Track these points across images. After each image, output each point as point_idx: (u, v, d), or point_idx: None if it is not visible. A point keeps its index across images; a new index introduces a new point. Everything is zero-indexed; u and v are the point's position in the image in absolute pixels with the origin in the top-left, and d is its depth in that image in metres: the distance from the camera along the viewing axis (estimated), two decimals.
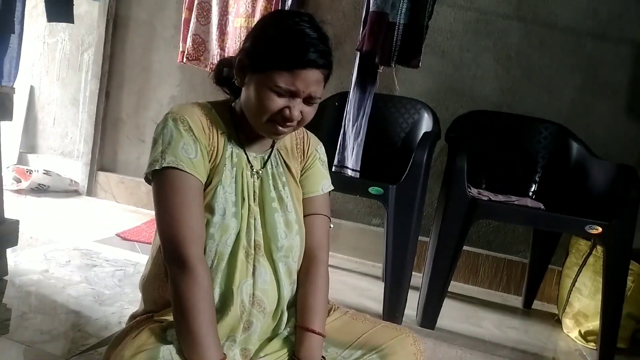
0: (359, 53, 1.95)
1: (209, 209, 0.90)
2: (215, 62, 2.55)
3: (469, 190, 1.82)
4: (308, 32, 0.86)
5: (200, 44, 2.57)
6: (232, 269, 0.90)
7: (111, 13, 2.96)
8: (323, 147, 1.10)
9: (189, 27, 2.58)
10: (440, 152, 2.41)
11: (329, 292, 1.03)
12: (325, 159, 1.10)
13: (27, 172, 2.97)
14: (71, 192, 3.05)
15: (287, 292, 0.97)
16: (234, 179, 0.93)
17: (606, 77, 2.36)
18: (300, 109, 0.89)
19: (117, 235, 2.35)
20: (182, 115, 0.89)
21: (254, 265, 0.92)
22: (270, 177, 0.99)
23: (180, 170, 0.86)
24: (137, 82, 3.00)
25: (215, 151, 0.92)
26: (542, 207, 1.94)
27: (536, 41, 2.42)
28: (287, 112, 0.88)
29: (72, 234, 2.28)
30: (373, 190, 1.77)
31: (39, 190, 2.94)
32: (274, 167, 1.00)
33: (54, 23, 3.01)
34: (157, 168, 0.86)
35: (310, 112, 0.91)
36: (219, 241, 0.89)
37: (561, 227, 1.89)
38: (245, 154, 0.96)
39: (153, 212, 0.89)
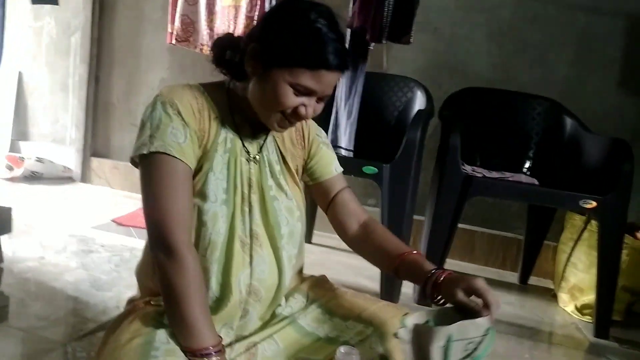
0: (349, 30, 1.93)
1: (202, 195, 0.88)
2: (205, 42, 2.51)
3: (463, 167, 1.82)
4: (332, 34, 0.85)
5: (189, 25, 2.52)
6: (229, 260, 0.89)
7: None
8: (323, 131, 1.10)
9: (176, 7, 2.53)
10: (434, 131, 2.40)
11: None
12: (328, 141, 1.09)
13: (19, 159, 2.95)
14: (65, 179, 3.03)
15: (288, 279, 0.97)
16: (225, 165, 0.91)
17: (600, 52, 2.35)
18: (313, 107, 0.88)
19: (113, 220, 2.34)
20: (171, 99, 0.86)
21: (250, 255, 0.91)
22: (267, 164, 0.97)
23: (168, 155, 0.84)
24: (126, 65, 2.96)
25: (207, 136, 0.89)
26: (537, 182, 1.94)
27: (529, 16, 2.39)
28: (303, 110, 0.86)
29: (68, 221, 2.27)
30: (367, 169, 1.77)
31: (33, 177, 2.92)
32: (270, 154, 0.98)
33: (39, 6, 2.96)
34: (144, 152, 0.84)
35: (320, 108, 0.91)
36: (212, 229, 0.88)
37: (555, 203, 1.90)
38: (241, 139, 0.93)
39: None
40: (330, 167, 1.06)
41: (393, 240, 1.01)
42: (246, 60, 0.88)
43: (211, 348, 0.80)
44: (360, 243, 1.03)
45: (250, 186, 0.93)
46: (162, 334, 0.82)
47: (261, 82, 0.87)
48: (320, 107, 0.90)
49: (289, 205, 0.96)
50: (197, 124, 0.88)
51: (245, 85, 0.91)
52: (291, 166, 1.01)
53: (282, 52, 0.84)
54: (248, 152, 0.94)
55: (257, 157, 0.95)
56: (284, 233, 0.95)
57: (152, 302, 0.92)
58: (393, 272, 0.97)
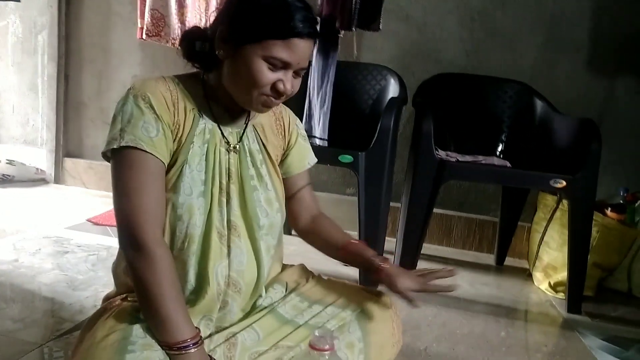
0: (318, 18, 1.93)
1: (175, 189, 0.87)
2: (177, 36, 2.48)
3: (436, 152, 1.85)
4: (298, 3, 0.85)
5: (160, 19, 2.49)
6: (206, 251, 0.89)
7: None
8: (300, 121, 1.11)
9: (145, 1, 2.50)
10: (409, 118, 2.42)
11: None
12: (305, 133, 1.11)
13: None
14: (38, 180, 2.97)
15: (267, 270, 0.97)
16: (204, 156, 0.90)
17: (567, 34, 2.39)
18: (291, 82, 0.87)
19: (88, 220, 2.31)
20: (143, 92, 0.85)
21: (228, 246, 0.91)
22: (248, 154, 0.96)
23: (140, 149, 0.82)
24: (97, 63, 2.90)
25: (182, 129, 0.88)
26: (509, 165, 1.98)
27: (498, 1, 2.42)
28: (281, 85, 0.86)
29: (41, 223, 2.23)
30: (343, 158, 1.78)
31: (4, 180, 2.85)
32: (250, 143, 0.97)
33: (2, 4, 2.89)
34: (115, 147, 0.83)
35: (297, 84, 0.90)
36: (188, 222, 0.87)
37: (527, 183, 1.94)
38: (220, 129, 0.93)
39: None
40: (304, 161, 1.08)
41: (338, 232, 1.09)
42: (216, 45, 0.87)
43: (189, 340, 0.79)
44: (309, 233, 1.11)
45: (229, 176, 0.93)
46: (138, 329, 0.82)
47: (234, 63, 0.86)
48: (297, 83, 0.90)
49: (268, 197, 0.97)
50: (171, 117, 0.87)
51: (219, 73, 0.90)
52: (272, 155, 1.01)
53: (251, 27, 0.83)
54: (228, 142, 0.93)
55: (237, 146, 0.94)
56: (263, 224, 0.95)
57: (129, 299, 0.92)
58: (341, 260, 1.09)
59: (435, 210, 1.88)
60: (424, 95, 2.15)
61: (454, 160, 1.90)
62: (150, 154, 0.83)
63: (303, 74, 0.90)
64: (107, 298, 0.99)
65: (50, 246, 1.94)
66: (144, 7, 2.50)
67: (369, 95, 2.22)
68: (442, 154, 1.92)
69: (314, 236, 1.10)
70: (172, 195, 0.87)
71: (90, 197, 2.78)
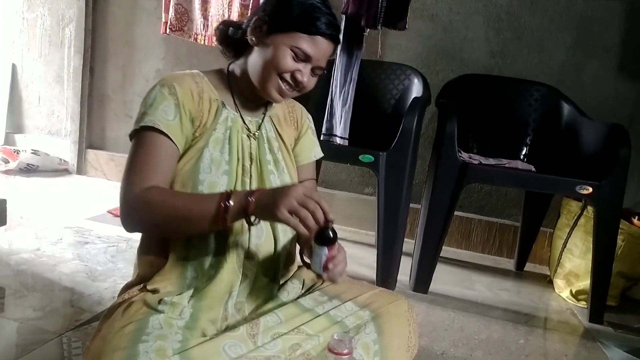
0: (344, 16, 1.91)
1: (195, 169, 0.93)
2: (200, 32, 2.50)
3: (459, 154, 1.82)
4: (325, 9, 0.96)
5: (183, 14, 2.51)
6: None
7: None
8: (310, 116, 1.18)
9: None
10: (432, 119, 2.39)
11: None
12: (314, 128, 1.18)
13: (14, 152, 2.94)
14: (61, 171, 3.02)
15: (283, 249, 1.01)
16: (227, 140, 0.97)
17: (597, 36, 2.33)
18: (308, 76, 0.97)
19: (109, 212, 2.34)
20: (170, 82, 0.93)
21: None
22: (266, 141, 1.04)
23: (156, 130, 0.89)
24: (121, 56, 2.94)
25: (206, 117, 0.96)
26: (533, 169, 1.94)
27: (527, 1, 2.37)
28: (299, 75, 0.95)
29: (63, 213, 2.26)
30: (363, 158, 1.76)
31: (28, 170, 2.91)
32: (268, 131, 1.05)
33: None
34: (136, 128, 0.91)
35: (313, 82, 1.00)
36: None
37: (552, 189, 1.89)
38: (241, 117, 1.00)
39: None
40: (310, 152, 1.14)
41: None
42: (249, 32, 0.98)
43: (224, 197, 0.84)
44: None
45: (251, 160, 1.00)
46: (155, 321, 0.83)
47: (263, 49, 0.96)
48: (314, 81, 0.99)
49: (284, 180, 1.03)
50: (195, 106, 0.95)
51: (245, 61, 1.00)
52: (287, 143, 1.08)
53: (284, 20, 0.94)
54: (249, 129, 1.01)
55: (256, 133, 1.02)
56: None
57: (148, 288, 0.92)
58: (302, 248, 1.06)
59: (455, 212, 1.85)
60: (447, 96, 2.12)
61: (477, 162, 1.86)
62: (166, 135, 0.90)
63: (319, 74, 1.00)
64: (126, 288, 0.99)
65: (71, 236, 1.97)
66: (169, 1, 2.52)
67: (391, 94, 2.20)
68: (465, 156, 1.89)
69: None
70: (191, 175, 0.93)
71: (111, 188, 2.82)
